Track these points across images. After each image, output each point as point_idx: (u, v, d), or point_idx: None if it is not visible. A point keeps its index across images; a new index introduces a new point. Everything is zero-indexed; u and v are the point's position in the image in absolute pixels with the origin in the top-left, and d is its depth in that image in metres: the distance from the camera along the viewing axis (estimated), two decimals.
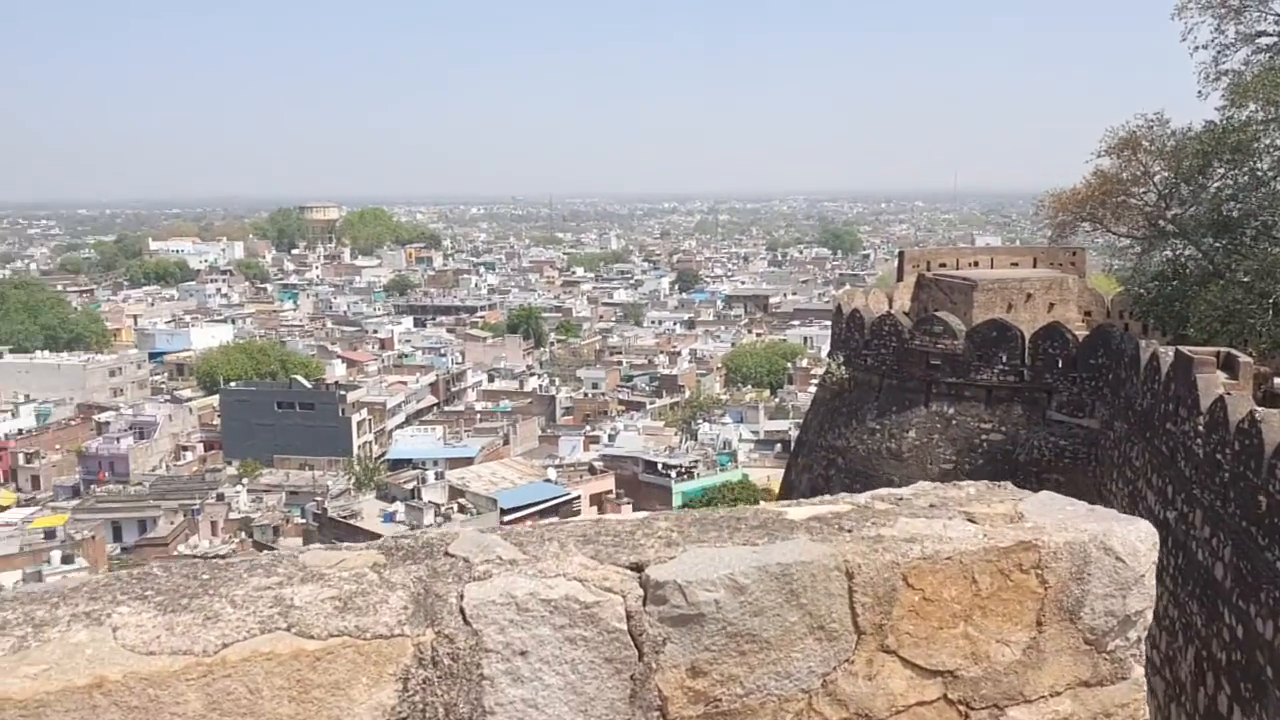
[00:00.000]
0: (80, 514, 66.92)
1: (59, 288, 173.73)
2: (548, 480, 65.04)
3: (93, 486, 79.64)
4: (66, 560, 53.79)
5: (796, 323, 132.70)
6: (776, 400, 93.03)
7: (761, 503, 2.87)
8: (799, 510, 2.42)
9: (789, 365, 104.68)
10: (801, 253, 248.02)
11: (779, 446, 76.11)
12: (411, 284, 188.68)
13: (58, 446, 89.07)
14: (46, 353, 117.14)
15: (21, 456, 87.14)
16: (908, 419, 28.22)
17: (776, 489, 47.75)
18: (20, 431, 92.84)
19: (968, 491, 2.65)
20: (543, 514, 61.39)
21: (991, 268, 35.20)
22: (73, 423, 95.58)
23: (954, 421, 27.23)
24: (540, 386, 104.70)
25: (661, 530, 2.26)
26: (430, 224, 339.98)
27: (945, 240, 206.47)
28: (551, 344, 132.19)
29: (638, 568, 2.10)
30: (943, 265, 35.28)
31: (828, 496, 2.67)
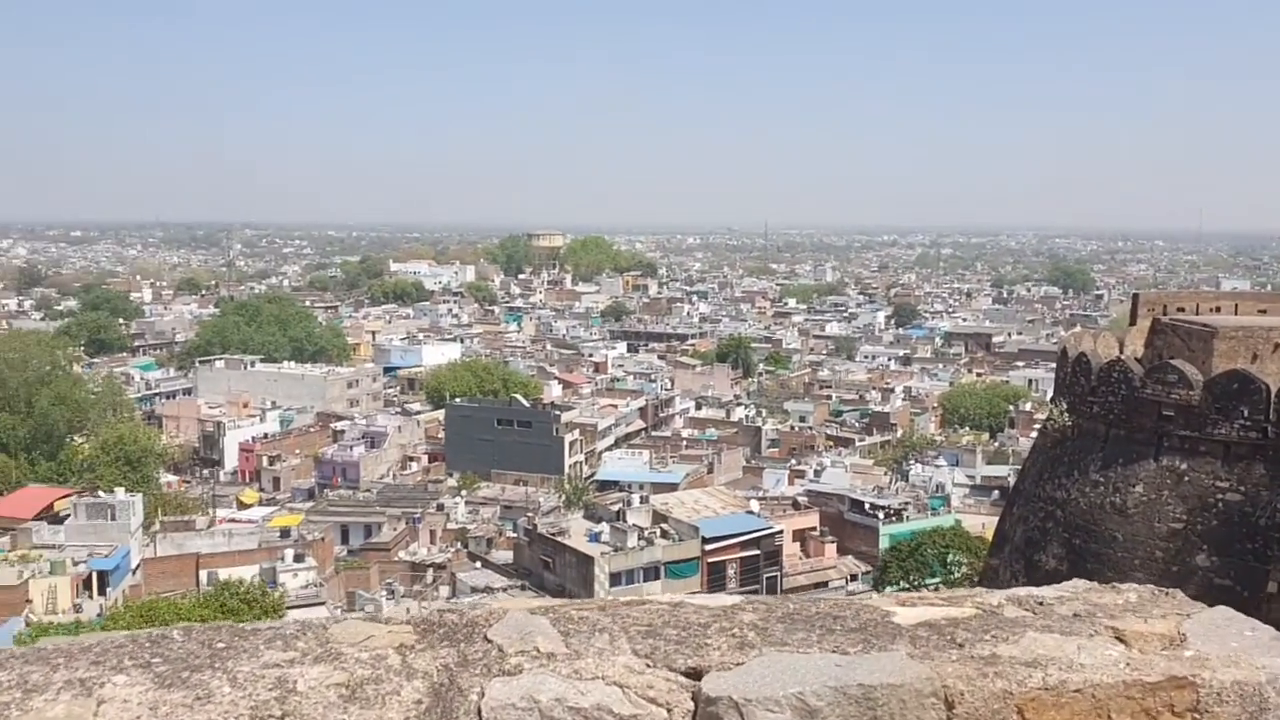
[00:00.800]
0: (313, 516, 71.25)
1: (307, 303, 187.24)
2: (750, 512, 64.42)
3: (326, 490, 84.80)
4: (298, 559, 57.22)
5: (1020, 364, 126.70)
6: (996, 444, 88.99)
7: (875, 595, 2.51)
8: (910, 612, 2.07)
9: (1010, 408, 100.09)
10: (1029, 290, 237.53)
11: (996, 493, 72.63)
12: (627, 310, 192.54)
13: (298, 451, 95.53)
14: (293, 363, 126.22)
15: (266, 459, 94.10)
16: (1135, 473, 26.19)
17: (991, 537, 45.54)
18: (266, 435, 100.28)
19: (1126, 599, 2.21)
20: (744, 546, 60.97)
21: (1236, 314, 32.37)
22: (312, 430, 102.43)
23: (1186, 478, 25.06)
24: (747, 417, 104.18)
25: (743, 625, 1.96)
26: (648, 253, 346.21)
27: (1187, 283, 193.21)
28: (760, 375, 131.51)
29: (695, 674, 1.81)
30: (1181, 310, 32.71)
31: (960, 592, 2.30)
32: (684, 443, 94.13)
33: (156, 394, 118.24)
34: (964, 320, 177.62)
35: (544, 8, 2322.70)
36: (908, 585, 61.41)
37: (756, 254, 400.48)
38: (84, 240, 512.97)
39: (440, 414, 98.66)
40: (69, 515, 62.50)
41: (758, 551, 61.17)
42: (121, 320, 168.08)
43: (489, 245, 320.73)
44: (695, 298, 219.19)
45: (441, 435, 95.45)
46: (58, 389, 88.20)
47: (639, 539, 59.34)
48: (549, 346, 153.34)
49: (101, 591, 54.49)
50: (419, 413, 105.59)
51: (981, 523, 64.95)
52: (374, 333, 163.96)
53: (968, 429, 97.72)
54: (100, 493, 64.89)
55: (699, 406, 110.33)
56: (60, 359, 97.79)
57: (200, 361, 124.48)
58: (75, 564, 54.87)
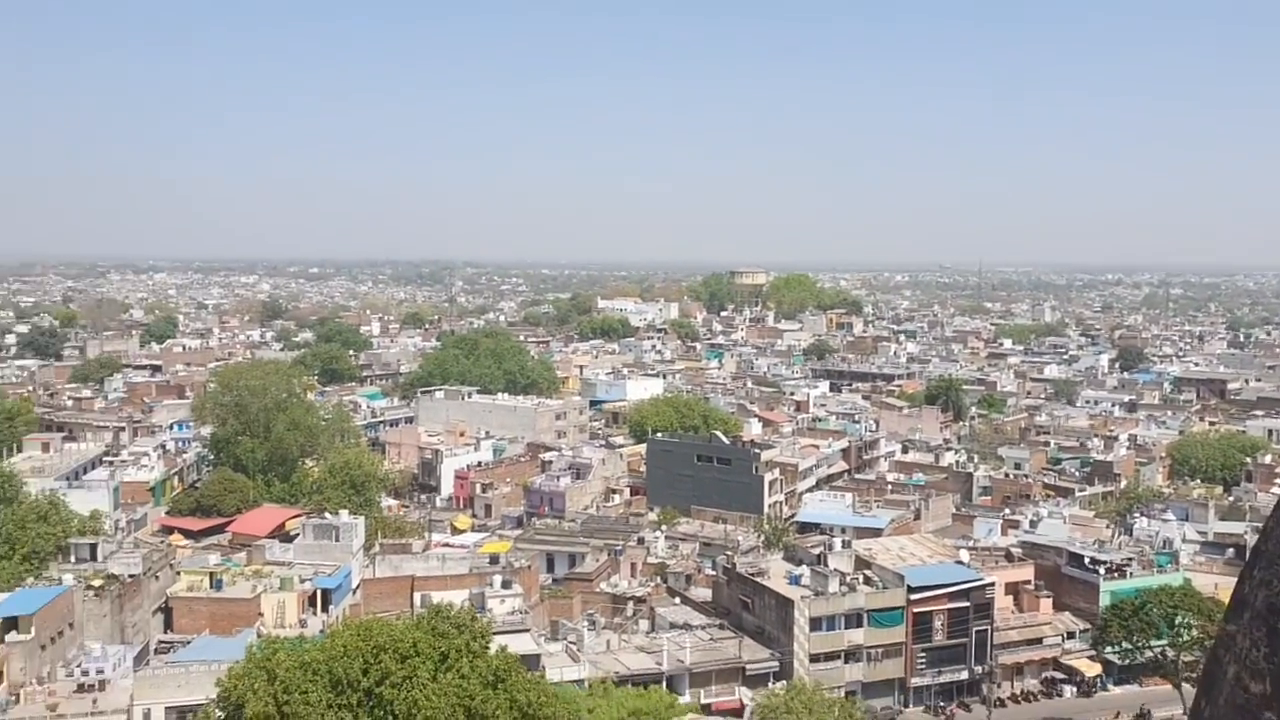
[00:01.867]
0: (521, 544, 73.31)
1: (521, 338, 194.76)
2: (959, 562, 61.92)
3: (533, 519, 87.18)
4: (505, 586, 58.91)
5: (1259, 413, 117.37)
6: (1230, 499, 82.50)
7: None
8: None
9: (1247, 460, 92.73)
10: (1269, 334, 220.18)
11: (1231, 551, 67.44)
12: (830, 349, 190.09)
13: (508, 480, 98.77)
14: (506, 395, 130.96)
15: (479, 486, 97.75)
16: None
17: (1226, 599, 42.20)
18: (480, 464, 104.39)
19: None
20: (952, 597, 58.64)
21: None
22: (522, 459, 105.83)
23: None
24: (957, 462, 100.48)
25: None
26: (853, 290, 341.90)
27: None
28: (972, 418, 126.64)
29: None
30: None
31: None
32: (889, 487, 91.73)
33: (381, 422, 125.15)
34: (1195, 365, 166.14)
35: (744, 52, 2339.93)
36: (1130, 646, 57.57)
37: (969, 292, 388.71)
38: (320, 277, 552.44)
39: (642, 448, 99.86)
40: (298, 534, 66.80)
41: (967, 604, 58.74)
42: (351, 351, 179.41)
43: (693, 283, 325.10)
44: (903, 337, 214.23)
45: (643, 469, 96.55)
46: (293, 415, 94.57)
47: (840, 584, 58.09)
48: (750, 384, 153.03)
49: (324, 608, 57.85)
50: (622, 446, 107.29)
51: (1214, 583, 60.51)
52: (581, 367, 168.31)
53: (1199, 481, 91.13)
54: (326, 514, 69.00)
55: (905, 450, 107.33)
56: (296, 387, 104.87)
57: (421, 392, 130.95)
58: (302, 581, 58.53)
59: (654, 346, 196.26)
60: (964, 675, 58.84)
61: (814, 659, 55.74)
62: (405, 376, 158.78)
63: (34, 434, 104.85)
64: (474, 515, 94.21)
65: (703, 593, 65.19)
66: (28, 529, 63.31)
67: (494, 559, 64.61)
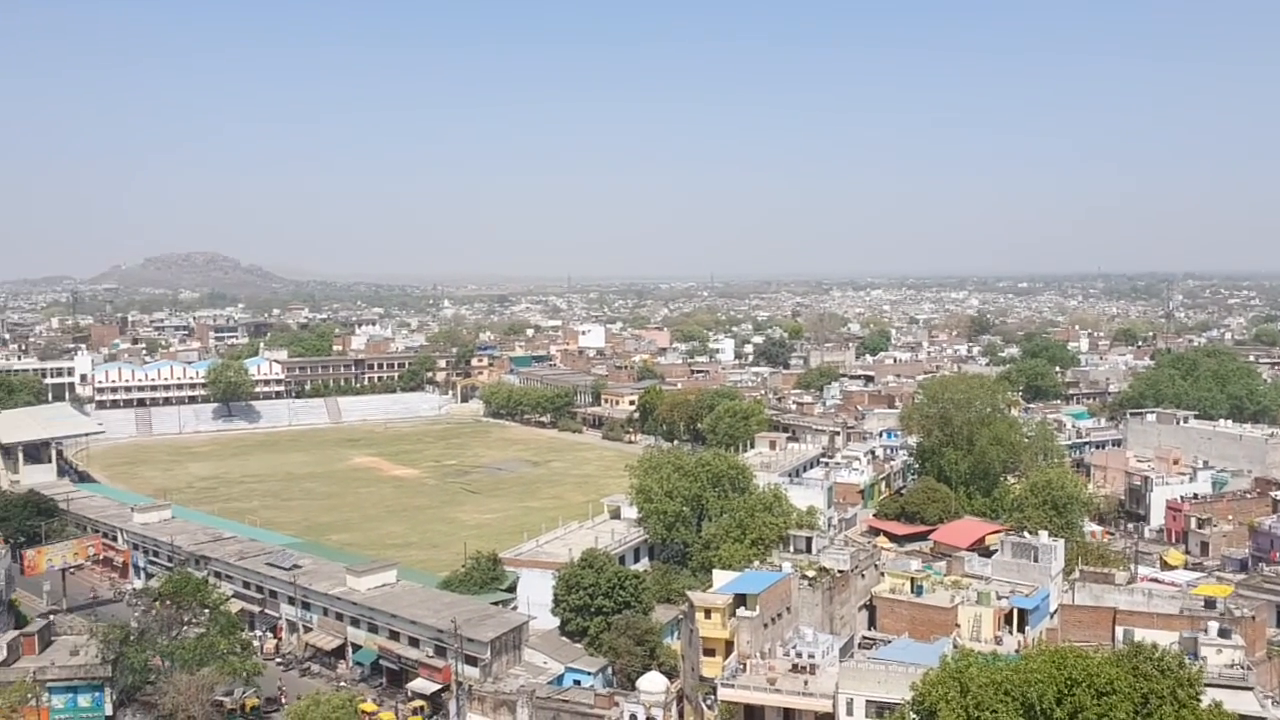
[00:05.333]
0: (1244, 590, 65.60)
1: (1251, 358, 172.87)
2: None
3: (1260, 564, 77.65)
4: (1223, 634, 53.26)
5: None
6: None
7: None
8: None
9: None
10: None
11: None
12: None
13: (1230, 517, 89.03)
14: (1229, 422, 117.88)
15: (1194, 520, 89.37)
16: None
17: None
18: (1195, 496, 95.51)
19: None
20: None
21: None
22: (1248, 495, 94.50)
23: None
24: None
25: None
26: None
27: None
28: None
29: None
30: None
31: None
32: None
33: (1086, 442, 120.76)
34: None
35: None
36: None
37: None
38: (1029, 291, 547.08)
39: None
40: (996, 550, 67.21)
41: None
42: (1058, 368, 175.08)
43: None
44: None
45: None
46: (996, 430, 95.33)
47: None
48: None
49: (1020, 629, 57.42)
50: None
51: None
52: None
53: None
54: (1025, 533, 68.43)
55: None
56: (1000, 402, 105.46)
57: (1131, 413, 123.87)
58: (999, 598, 58.78)
59: None
60: None
61: None
62: (1114, 396, 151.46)
63: (763, 433, 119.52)
64: (1187, 552, 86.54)
65: None
66: (756, 517, 72.39)
67: (1210, 603, 58.78)
